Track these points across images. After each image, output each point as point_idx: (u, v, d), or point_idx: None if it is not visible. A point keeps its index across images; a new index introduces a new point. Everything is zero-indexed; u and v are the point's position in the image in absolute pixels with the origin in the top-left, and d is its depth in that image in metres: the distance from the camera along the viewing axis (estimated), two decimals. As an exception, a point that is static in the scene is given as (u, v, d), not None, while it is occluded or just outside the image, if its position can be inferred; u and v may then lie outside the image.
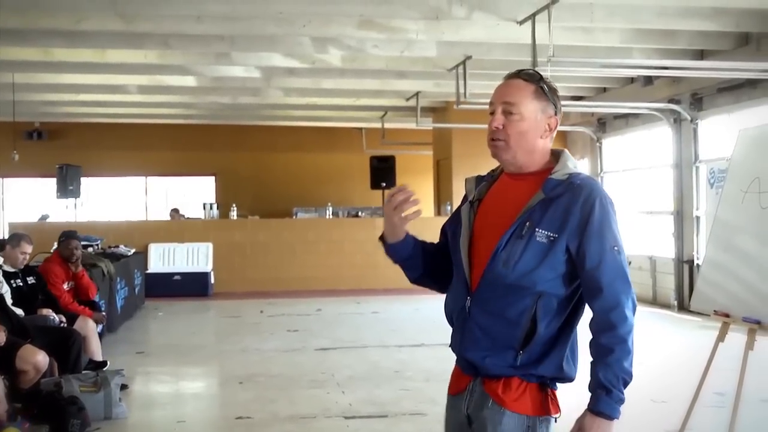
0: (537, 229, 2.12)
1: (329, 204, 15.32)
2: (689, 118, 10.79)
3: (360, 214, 15.59)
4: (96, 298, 7.46)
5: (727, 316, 4.41)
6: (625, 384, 2.09)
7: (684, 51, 10.06)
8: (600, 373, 2.08)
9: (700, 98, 10.67)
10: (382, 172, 15.45)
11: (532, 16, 7.89)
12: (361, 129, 17.59)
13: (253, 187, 18.12)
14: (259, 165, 18.48)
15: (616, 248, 2.13)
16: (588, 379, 2.12)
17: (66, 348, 5.89)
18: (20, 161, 12.49)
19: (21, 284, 6.30)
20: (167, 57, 10.18)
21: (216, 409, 6.17)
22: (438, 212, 15.11)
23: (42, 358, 5.21)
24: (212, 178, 19.07)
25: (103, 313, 7.52)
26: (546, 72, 6.47)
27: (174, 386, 6.80)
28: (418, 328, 9.48)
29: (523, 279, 2.11)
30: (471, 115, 11.55)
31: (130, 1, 7.72)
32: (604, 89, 13.09)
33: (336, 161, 18.61)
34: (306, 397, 6.18)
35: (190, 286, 12.95)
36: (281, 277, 13.60)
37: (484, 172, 2.39)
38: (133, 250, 11.21)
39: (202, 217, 14.89)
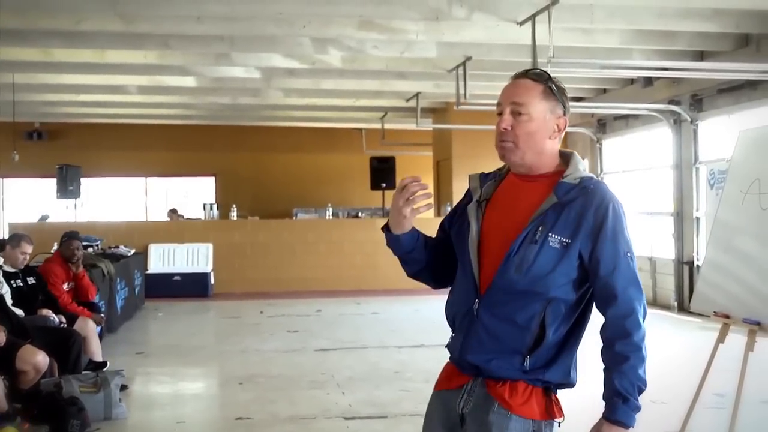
0: (550, 234, 2.09)
1: (329, 205, 15.33)
2: (689, 119, 10.79)
3: (360, 214, 15.60)
4: (96, 300, 7.46)
5: (728, 317, 4.41)
6: (640, 392, 2.07)
7: (684, 52, 10.07)
8: (616, 381, 2.06)
9: (700, 99, 10.67)
10: (382, 172, 15.44)
11: (532, 17, 7.89)
12: (361, 130, 17.60)
13: (253, 188, 18.13)
14: (259, 165, 18.50)
15: (629, 254, 2.12)
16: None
17: (66, 348, 5.89)
18: (20, 161, 12.50)
19: (21, 284, 6.29)
20: (167, 57, 10.18)
21: (216, 410, 6.17)
22: (438, 213, 15.10)
23: (42, 359, 5.21)
24: (212, 179, 19.09)
25: (102, 315, 7.51)
26: (546, 73, 6.46)
27: (174, 387, 6.79)
28: (418, 328, 9.48)
29: (535, 284, 2.08)
30: (471, 116, 11.56)
31: (130, 2, 7.73)
32: (604, 90, 13.09)
33: (336, 162, 18.62)
34: (306, 397, 6.18)
35: (190, 287, 12.95)
36: (281, 277, 13.59)
37: (487, 170, 2.35)
38: (133, 251, 11.21)
39: (202, 218, 14.90)
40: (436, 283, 2.39)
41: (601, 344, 2.15)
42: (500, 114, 2.18)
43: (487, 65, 10.46)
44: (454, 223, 2.32)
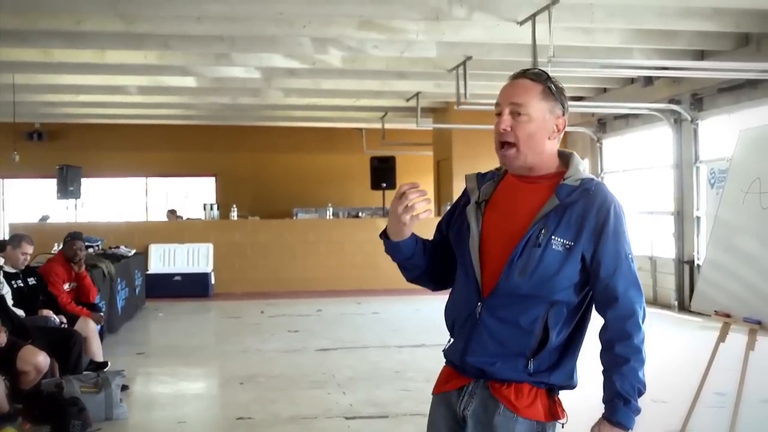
0: (553, 237, 2.08)
1: (329, 204, 15.33)
2: (689, 118, 10.79)
3: (360, 214, 15.60)
4: (96, 300, 7.46)
5: (728, 316, 4.41)
6: (640, 394, 2.07)
7: (684, 51, 10.07)
8: (617, 383, 2.06)
9: (700, 99, 10.67)
10: (383, 172, 15.44)
11: (533, 17, 7.89)
12: (361, 129, 17.59)
13: (254, 188, 18.13)
14: (259, 165, 18.50)
15: (630, 256, 2.12)
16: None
17: (67, 349, 5.89)
18: (20, 162, 12.50)
19: (22, 285, 6.30)
20: (167, 58, 10.18)
21: (217, 410, 6.17)
22: (438, 213, 15.09)
23: (43, 359, 5.21)
24: (212, 179, 19.09)
25: (102, 314, 7.51)
26: (546, 72, 6.46)
27: (175, 387, 6.79)
28: (419, 328, 9.48)
29: (539, 287, 2.07)
30: (471, 116, 11.55)
31: (130, 2, 7.73)
32: (605, 90, 13.09)
33: (336, 162, 18.62)
34: (307, 397, 6.18)
35: (191, 287, 12.95)
36: (282, 277, 13.60)
37: (483, 170, 2.32)
38: (133, 251, 11.21)
39: (203, 218, 14.90)
40: (435, 286, 2.38)
41: (599, 346, 2.15)
42: (499, 114, 2.16)
43: (488, 65, 10.46)
44: (453, 224, 2.30)
